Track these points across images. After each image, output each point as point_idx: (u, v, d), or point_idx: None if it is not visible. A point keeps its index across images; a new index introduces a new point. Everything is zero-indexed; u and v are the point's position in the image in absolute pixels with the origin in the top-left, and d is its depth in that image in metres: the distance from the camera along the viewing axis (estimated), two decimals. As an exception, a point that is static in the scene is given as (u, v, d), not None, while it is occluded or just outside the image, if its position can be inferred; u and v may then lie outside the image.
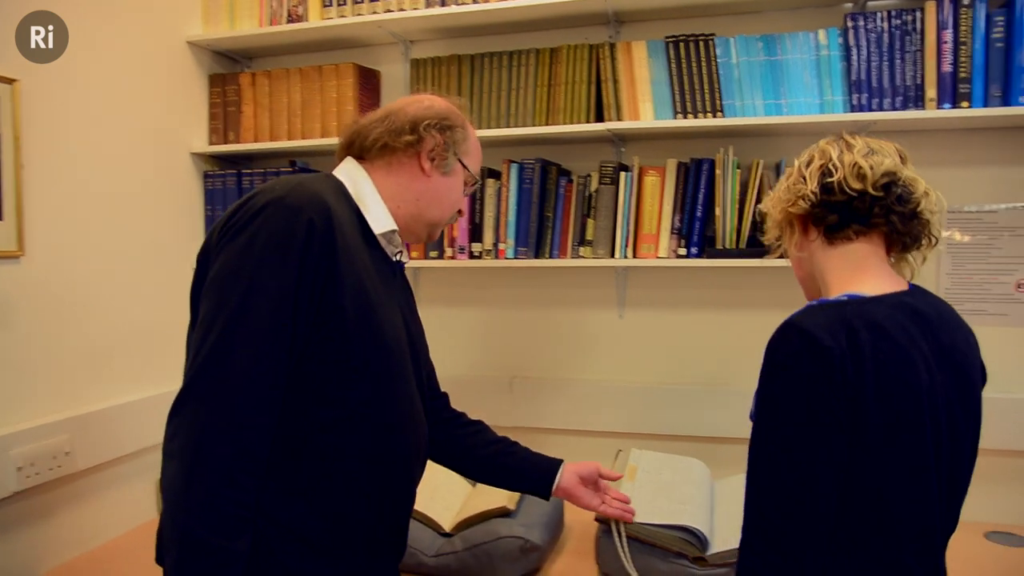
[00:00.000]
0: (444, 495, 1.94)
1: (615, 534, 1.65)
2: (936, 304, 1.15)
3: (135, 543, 1.97)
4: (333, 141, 2.29)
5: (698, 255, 2.07)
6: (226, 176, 2.43)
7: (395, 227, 1.32)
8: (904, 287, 1.14)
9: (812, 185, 1.15)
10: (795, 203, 1.17)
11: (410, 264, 2.30)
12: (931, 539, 1.08)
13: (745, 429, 2.27)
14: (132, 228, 2.15)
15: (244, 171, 2.44)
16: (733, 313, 2.23)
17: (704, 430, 2.21)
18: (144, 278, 2.18)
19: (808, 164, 1.18)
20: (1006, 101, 1.88)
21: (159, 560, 1.21)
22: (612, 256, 2.12)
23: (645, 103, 2.08)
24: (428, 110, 1.35)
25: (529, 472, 1.60)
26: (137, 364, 2.15)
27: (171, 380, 1.43)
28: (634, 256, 2.11)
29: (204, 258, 1.20)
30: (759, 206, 1.31)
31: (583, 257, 2.16)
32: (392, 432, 1.26)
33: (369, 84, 2.39)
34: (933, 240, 1.18)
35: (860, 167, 1.12)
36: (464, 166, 1.40)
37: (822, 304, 1.08)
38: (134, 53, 2.18)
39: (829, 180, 1.13)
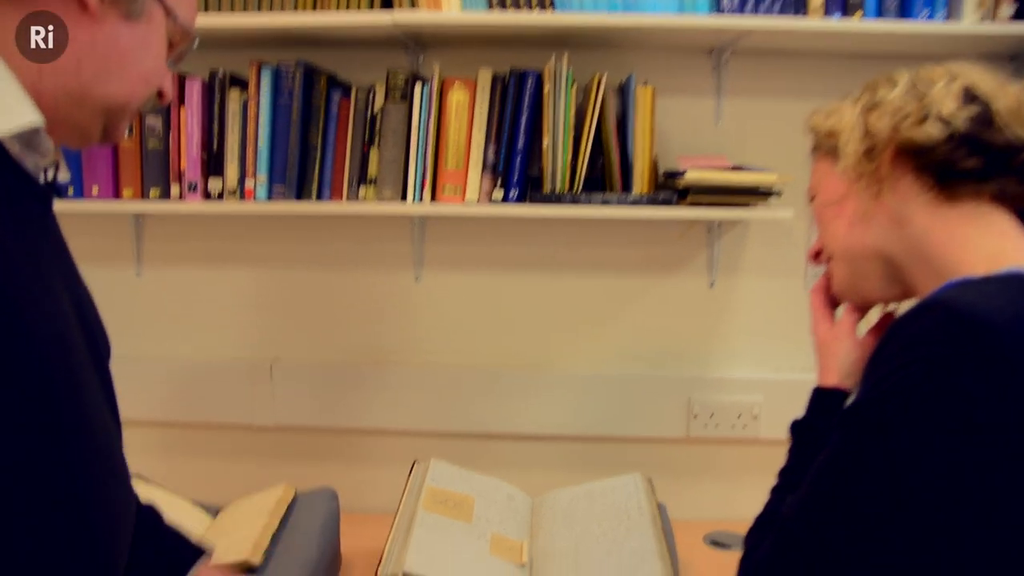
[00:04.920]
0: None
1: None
2: None
3: None
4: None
5: (519, 200, 1.62)
6: None
7: (39, 120, 0.70)
8: None
9: (952, 105, 0.79)
10: (922, 123, 0.80)
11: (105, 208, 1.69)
12: None
13: (574, 426, 1.93)
14: None
15: None
16: (563, 277, 1.80)
17: (523, 426, 1.79)
18: None
19: (927, 83, 0.83)
20: (905, 12, 1.52)
21: None
22: (403, 199, 1.62)
23: (449, -11, 1.55)
24: None
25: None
26: None
27: None
28: (433, 200, 1.62)
29: None
30: (813, 119, 0.96)
31: (364, 200, 1.64)
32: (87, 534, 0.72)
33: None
34: None
35: None
36: (167, 9, 0.80)
37: (980, 281, 0.75)
38: None
39: (985, 110, 0.79)
